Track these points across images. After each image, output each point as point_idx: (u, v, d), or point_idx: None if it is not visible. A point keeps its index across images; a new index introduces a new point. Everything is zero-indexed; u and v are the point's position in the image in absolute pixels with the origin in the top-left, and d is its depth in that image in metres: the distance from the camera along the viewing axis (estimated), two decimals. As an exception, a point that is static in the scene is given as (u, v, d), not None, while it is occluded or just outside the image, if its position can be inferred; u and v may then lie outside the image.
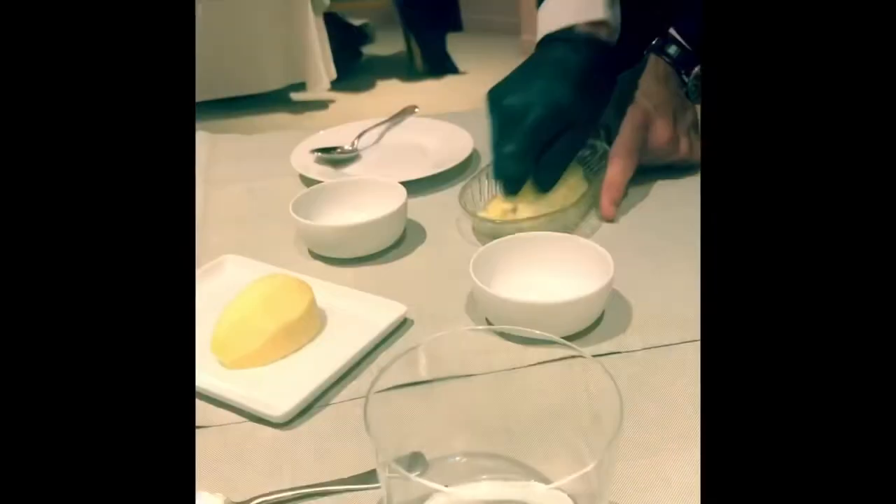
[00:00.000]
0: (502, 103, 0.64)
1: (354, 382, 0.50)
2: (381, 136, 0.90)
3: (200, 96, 3.42)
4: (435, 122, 0.90)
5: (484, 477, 0.38)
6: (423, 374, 0.41)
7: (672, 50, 0.73)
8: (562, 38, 0.67)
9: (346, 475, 0.43)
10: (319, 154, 0.82)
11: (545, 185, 0.66)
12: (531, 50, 0.70)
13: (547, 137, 0.64)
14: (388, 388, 0.39)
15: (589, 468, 0.28)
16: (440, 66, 3.87)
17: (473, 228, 0.68)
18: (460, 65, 3.90)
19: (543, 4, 0.71)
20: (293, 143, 0.85)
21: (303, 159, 0.81)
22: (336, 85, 3.53)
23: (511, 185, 0.65)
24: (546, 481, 0.38)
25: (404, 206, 0.65)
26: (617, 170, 0.69)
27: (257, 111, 3.49)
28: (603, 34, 0.67)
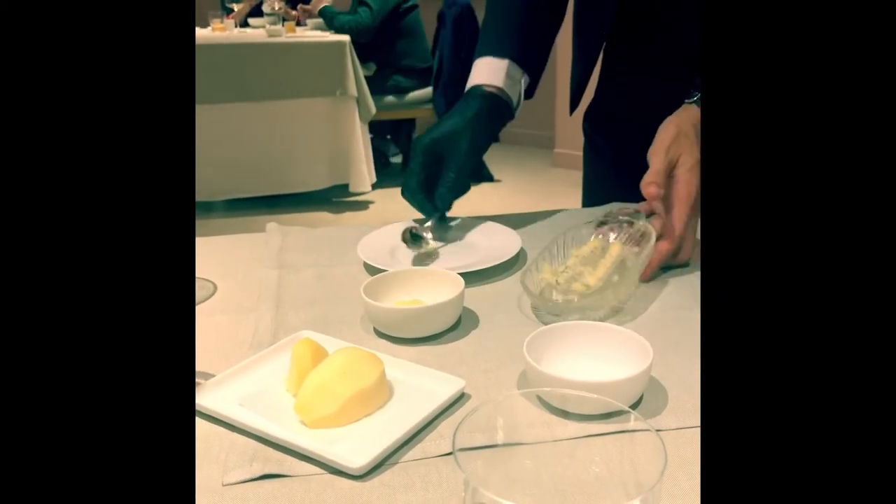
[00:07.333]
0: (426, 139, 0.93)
1: (420, 445, 0.56)
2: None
3: (252, 192, 3.61)
4: (483, 222, 0.99)
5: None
6: (486, 440, 0.47)
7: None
8: (471, 92, 0.99)
9: (416, 522, 0.48)
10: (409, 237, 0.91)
11: (446, 204, 0.93)
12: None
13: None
14: (463, 449, 0.46)
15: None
16: (476, 173, 4.04)
17: (533, 308, 0.77)
18: (495, 173, 4.07)
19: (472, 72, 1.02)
20: (353, 236, 0.94)
21: (367, 249, 0.90)
22: (374, 187, 3.71)
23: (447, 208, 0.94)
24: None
25: (461, 294, 0.73)
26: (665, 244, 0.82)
27: (301, 209, 3.66)
28: (499, 94, 0.99)
